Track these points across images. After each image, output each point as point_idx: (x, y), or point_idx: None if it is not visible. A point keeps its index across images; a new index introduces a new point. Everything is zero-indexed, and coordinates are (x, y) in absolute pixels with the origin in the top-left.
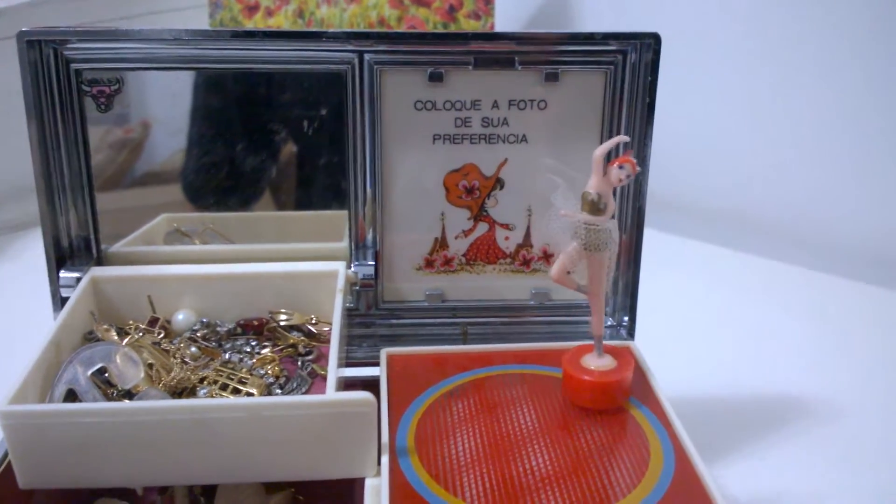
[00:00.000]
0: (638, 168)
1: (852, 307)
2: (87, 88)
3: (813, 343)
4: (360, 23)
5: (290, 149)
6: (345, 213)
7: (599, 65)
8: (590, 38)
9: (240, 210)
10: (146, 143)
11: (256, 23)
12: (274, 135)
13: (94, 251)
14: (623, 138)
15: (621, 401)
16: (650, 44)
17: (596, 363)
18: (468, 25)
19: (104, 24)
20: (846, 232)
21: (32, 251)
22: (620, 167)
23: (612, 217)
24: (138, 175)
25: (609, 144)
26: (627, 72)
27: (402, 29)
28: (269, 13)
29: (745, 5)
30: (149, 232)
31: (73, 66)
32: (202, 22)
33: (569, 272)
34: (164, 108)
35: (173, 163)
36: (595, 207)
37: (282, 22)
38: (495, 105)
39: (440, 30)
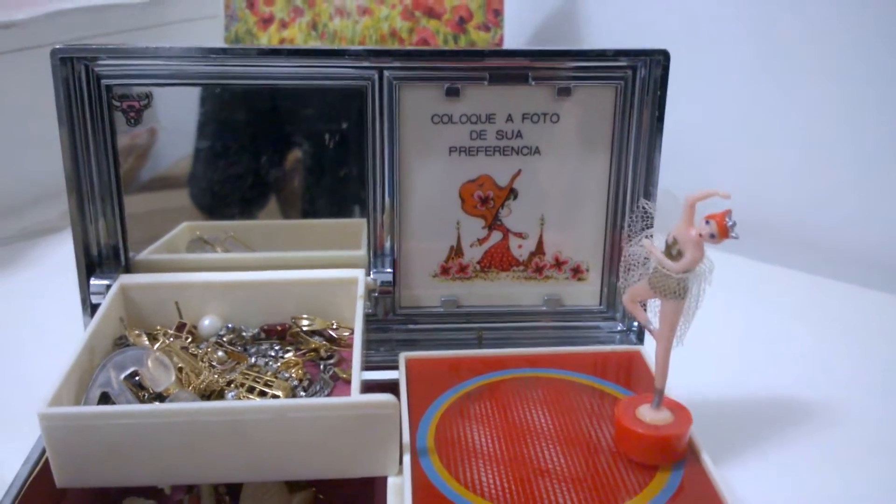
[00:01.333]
0: (734, 235)
1: (858, 312)
2: (118, 103)
3: (818, 347)
4: (373, 35)
5: (311, 161)
6: (361, 221)
7: (610, 80)
8: (601, 54)
9: (260, 219)
10: (172, 155)
11: (271, 35)
12: (296, 147)
13: (123, 259)
14: (720, 194)
15: (676, 457)
16: (659, 60)
17: (652, 416)
18: (478, 37)
19: (117, 36)
20: (852, 237)
21: (50, 258)
22: (707, 222)
23: (694, 269)
24: (163, 186)
25: (701, 194)
26: (637, 86)
27: (414, 40)
28: (284, 25)
29: (747, 13)
30: (172, 240)
31: (104, 81)
32: (214, 33)
33: (641, 303)
34: (191, 122)
35: (198, 174)
36: (668, 251)
37: (295, 34)
38: (509, 118)
39: (451, 42)
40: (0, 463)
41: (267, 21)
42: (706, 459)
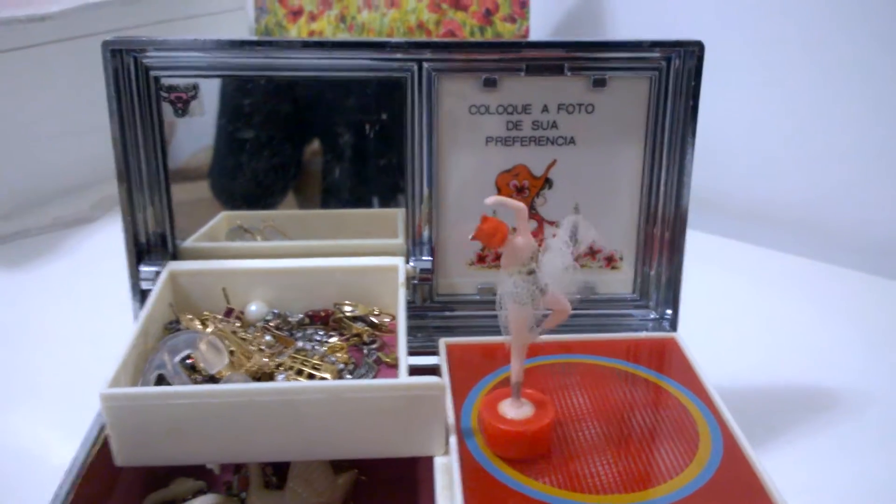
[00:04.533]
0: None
1: (877, 302)
2: (166, 94)
3: (839, 336)
4: (400, 27)
5: (351, 151)
6: (395, 211)
7: (645, 71)
8: (637, 45)
9: (300, 208)
10: (213, 145)
11: (300, 27)
12: (335, 138)
13: (170, 246)
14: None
15: (540, 451)
16: (694, 51)
17: (514, 412)
18: (504, 29)
19: (146, 28)
20: (874, 229)
21: (84, 248)
22: None
23: (508, 270)
24: (204, 175)
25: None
26: (671, 77)
27: (440, 32)
28: (313, 18)
29: (774, 4)
30: (212, 229)
31: (152, 73)
32: (239, 26)
33: None
34: (235, 112)
35: (239, 164)
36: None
37: (324, 26)
38: (545, 109)
39: (477, 34)
40: (45, 447)
41: (296, 14)
42: (744, 442)
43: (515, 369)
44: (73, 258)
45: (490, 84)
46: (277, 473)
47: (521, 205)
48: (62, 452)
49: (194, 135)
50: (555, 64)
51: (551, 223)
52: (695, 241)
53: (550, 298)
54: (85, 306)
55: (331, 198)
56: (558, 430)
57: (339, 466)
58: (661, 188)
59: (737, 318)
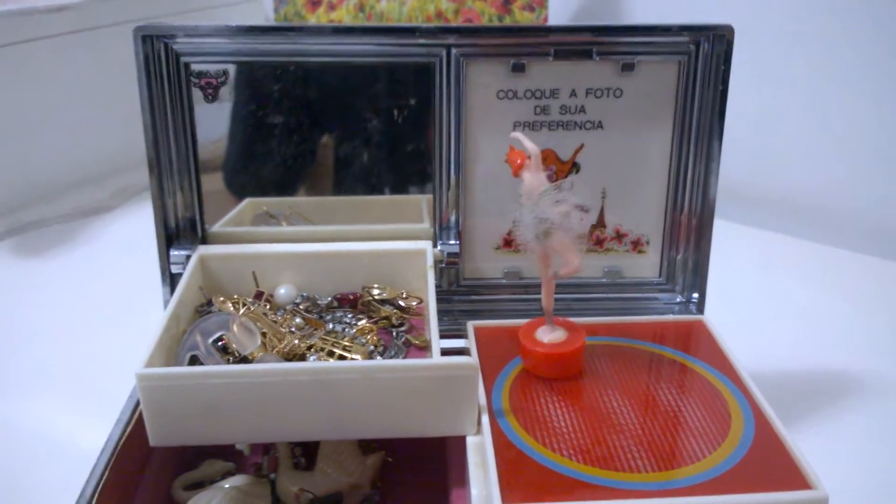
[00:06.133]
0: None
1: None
2: (196, 80)
3: (868, 321)
4: (419, 16)
5: (378, 137)
6: (421, 197)
7: (673, 55)
8: (666, 30)
9: (325, 195)
10: (240, 131)
11: (319, 17)
12: (364, 124)
13: (200, 231)
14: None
15: (575, 370)
16: (723, 35)
17: (549, 336)
18: (523, 17)
19: (163, 18)
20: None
21: (105, 236)
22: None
23: (534, 209)
24: (231, 161)
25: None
26: (700, 62)
27: (459, 21)
28: (332, 7)
29: None
30: (238, 215)
31: (183, 59)
32: (256, 15)
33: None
34: (263, 98)
35: (266, 150)
36: None
37: (343, 15)
38: (573, 93)
39: (496, 23)
40: (71, 432)
41: (315, 3)
42: (776, 422)
43: (544, 298)
44: (93, 246)
45: (518, 69)
46: (306, 454)
47: (534, 147)
48: (90, 436)
49: (224, 120)
50: (583, 49)
51: (579, 207)
52: (714, 229)
53: (557, 243)
54: (106, 293)
55: (356, 184)
56: (589, 410)
57: (367, 447)
58: (689, 173)
59: (759, 303)
